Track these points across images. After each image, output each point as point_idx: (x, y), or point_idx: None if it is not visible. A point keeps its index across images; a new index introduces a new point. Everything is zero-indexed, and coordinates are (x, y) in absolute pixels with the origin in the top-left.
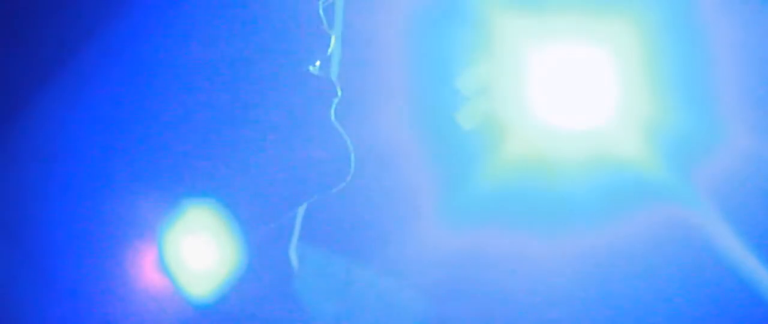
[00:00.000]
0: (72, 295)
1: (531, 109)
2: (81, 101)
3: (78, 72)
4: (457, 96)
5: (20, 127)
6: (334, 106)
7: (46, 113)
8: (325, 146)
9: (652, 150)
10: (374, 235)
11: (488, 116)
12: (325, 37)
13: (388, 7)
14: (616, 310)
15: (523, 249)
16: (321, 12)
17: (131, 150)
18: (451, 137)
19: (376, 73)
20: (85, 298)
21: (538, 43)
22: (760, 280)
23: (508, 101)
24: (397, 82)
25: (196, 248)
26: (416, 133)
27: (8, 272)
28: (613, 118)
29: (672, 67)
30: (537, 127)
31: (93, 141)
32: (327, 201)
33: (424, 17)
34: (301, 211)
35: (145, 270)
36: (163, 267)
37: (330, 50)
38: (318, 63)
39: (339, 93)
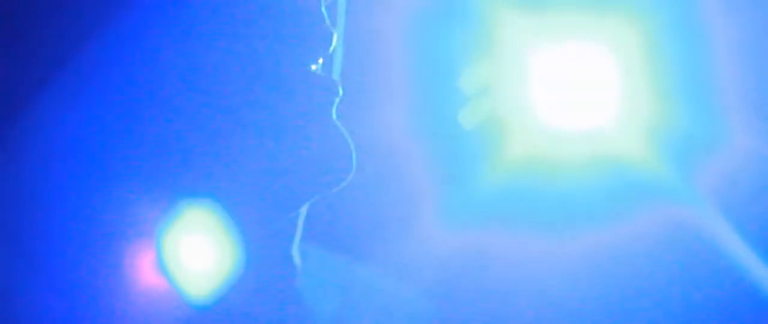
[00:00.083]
0: (71, 295)
1: (532, 109)
2: (81, 101)
3: (78, 72)
4: (459, 95)
5: (20, 127)
6: (335, 105)
7: (46, 113)
8: (327, 145)
9: (653, 150)
10: (374, 235)
11: (490, 116)
12: (328, 35)
13: (389, 7)
14: (617, 311)
15: (524, 249)
16: (323, 10)
17: (131, 150)
18: (453, 137)
19: (377, 73)
20: (84, 297)
21: (539, 42)
22: (761, 280)
23: (509, 101)
24: (399, 81)
25: (195, 248)
26: (417, 133)
27: (8, 272)
28: (615, 118)
29: (674, 67)
30: (538, 127)
31: (92, 141)
32: (327, 201)
33: (426, 16)
34: (303, 210)
35: (144, 270)
36: (162, 267)
37: (332, 48)
38: (321, 61)
39: (341, 92)
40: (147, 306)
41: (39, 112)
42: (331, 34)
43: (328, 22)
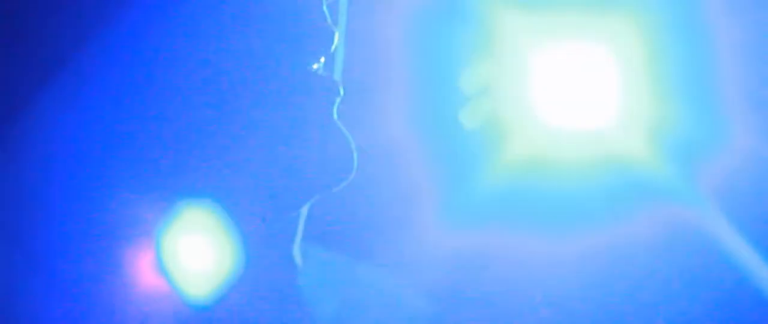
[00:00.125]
0: (71, 295)
1: (533, 109)
2: (81, 101)
3: (78, 72)
4: (460, 95)
5: (20, 127)
6: (336, 105)
7: (46, 113)
8: (327, 145)
9: (654, 150)
10: (374, 235)
11: (490, 116)
12: (329, 35)
13: (390, 6)
14: (618, 311)
15: (525, 249)
16: (325, 9)
17: (131, 150)
18: (453, 137)
19: (377, 72)
20: (84, 297)
21: (540, 42)
22: (762, 280)
23: (510, 101)
24: (399, 81)
25: (195, 248)
26: (418, 133)
27: (8, 272)
28: (616, 118)
29: (675, 67)
30: (539, 127)
31: (92, 141)
32: (328, 200)
33: (427, 16)
34: (303, 210)
35: (144, 270)
36: (162, 267)
37: (333, 48)
38: (322, 60)
39: (341, 92)
40: (146, 306)
41: (39, 112)
42: (332, 34)
43: (329, 21)
